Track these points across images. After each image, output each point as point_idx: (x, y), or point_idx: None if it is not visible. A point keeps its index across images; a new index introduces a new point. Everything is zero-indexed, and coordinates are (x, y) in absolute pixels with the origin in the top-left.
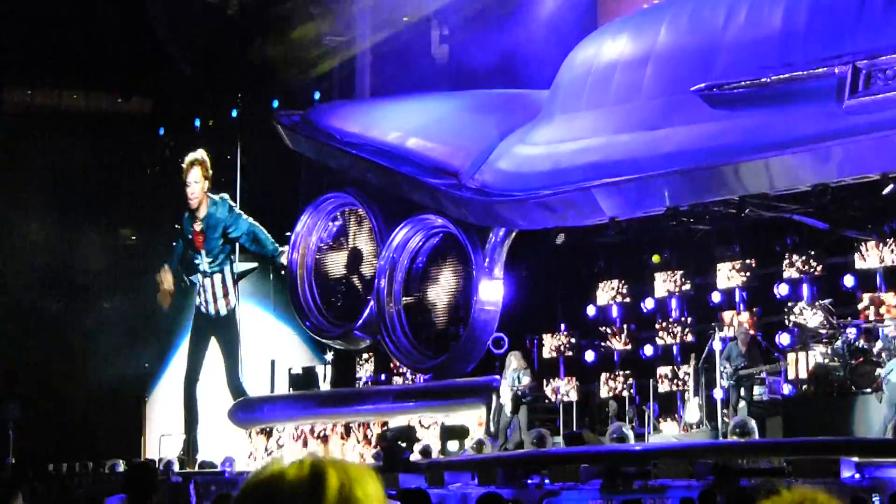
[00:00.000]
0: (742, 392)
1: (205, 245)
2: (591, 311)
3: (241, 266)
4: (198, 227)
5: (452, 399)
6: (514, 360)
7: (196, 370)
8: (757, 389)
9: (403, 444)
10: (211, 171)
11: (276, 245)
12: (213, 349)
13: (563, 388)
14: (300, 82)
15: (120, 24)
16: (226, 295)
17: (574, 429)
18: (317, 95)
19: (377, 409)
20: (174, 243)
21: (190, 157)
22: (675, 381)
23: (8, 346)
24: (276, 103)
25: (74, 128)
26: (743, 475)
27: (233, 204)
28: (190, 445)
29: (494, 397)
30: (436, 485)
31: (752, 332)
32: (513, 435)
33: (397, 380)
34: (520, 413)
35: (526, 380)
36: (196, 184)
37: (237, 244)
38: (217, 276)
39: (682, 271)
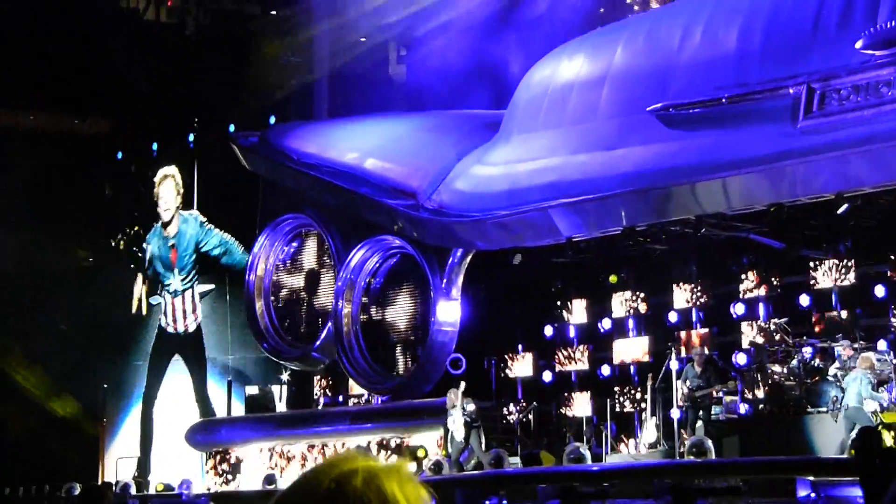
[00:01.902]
0: (699, 412)
1: (177, 262)
2: (548, 331)
3: (199, 287)
4: (170, 243)
5: (410, 420)
6: (452, 397)
7: (155, 389)
8: (714, 409)
9: None
10: (182, 188)
11: (247, 256)
12: (171, 369)
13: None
14: (258, 103)
15: (77, 44)
16: (194, 311)
17: (532, 449)
18: (272, 120)
19: (335, 431)
20: (139, 252)
21: (162, 171)
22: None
23: None
24: (231, 128)
25: (31, 147)
26: (700, 495)
27: (203, 219)
28: (143, 466)
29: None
30: None
31: (707, 352)
32: (469, 457)
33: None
34: (472, 437)
35: (470, 407)
36: (169, 197)
37: (204, 260)
38: (187, 293)
39: (639, 291)
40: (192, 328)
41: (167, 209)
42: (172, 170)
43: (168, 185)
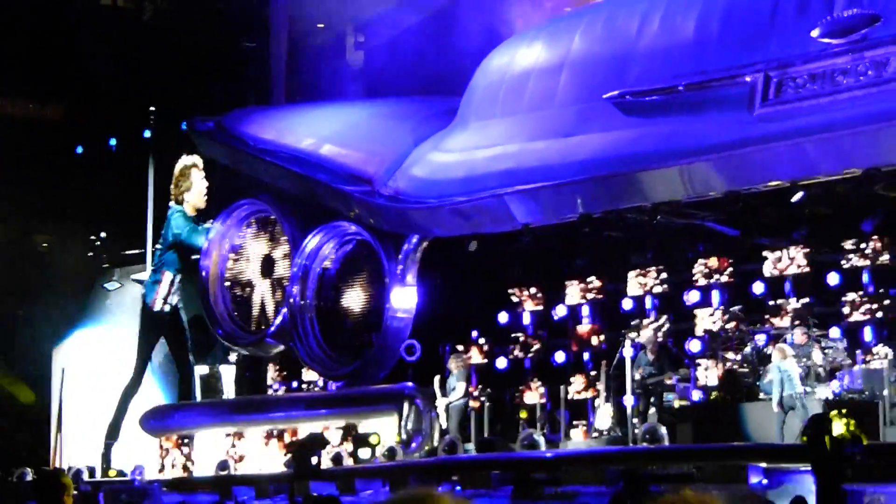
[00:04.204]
0: (651, 399)
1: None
2: (503, 318)
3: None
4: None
5: (365, 406)
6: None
7: (142, 376)
8: (667, 396)
9: (313, 452)
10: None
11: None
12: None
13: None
14: (214, 89)
15: (33, 27)
16: (176, 291)
17: (485, 436)
18: (227, 106)
19: (289, 417)
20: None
21: (184, 161)
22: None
23: None
24: (184, 125)
25: None
26: (652, 481)
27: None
28: (106, 454)
29: (406, 404)
30: (347, 492)
31: (660, 339)
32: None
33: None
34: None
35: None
36: (204, 182)
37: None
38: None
39: (594, 278)
40: (168, 308)
41: (203, 194)
42: (193, 158)
43: (197, 173)
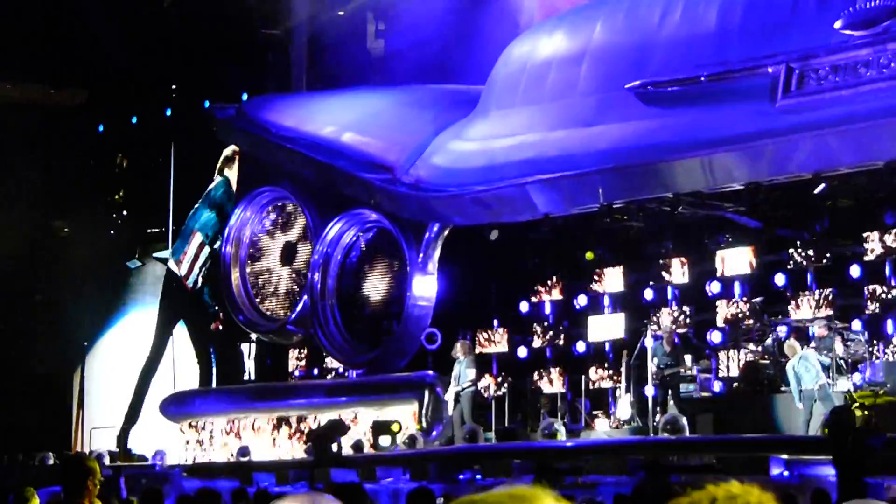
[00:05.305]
0: (669, 390)
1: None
2: (524, 307)
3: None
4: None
5: (385, 394)
6: (461, 349)
7: (160, 355)
8: (688, 387)
9: (334, 439)
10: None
11: None
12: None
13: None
14: (235, 76)
15: (52, 12)
16: (205, 264)
17: (506, 425)
18: (244, 97)
19: (309, 404)
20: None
21: (232, 148)
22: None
23: None
24: (207, 103)
25: (4, 117)
26: (674, 472)
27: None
28: (123, 438)
29: (427, 392)
30: (367, 479)
31: (677, 330)
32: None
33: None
34: (461, 406)
35: (471, 372)
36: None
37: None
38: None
39: (615, 268)
40: (197, 283)
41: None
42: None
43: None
